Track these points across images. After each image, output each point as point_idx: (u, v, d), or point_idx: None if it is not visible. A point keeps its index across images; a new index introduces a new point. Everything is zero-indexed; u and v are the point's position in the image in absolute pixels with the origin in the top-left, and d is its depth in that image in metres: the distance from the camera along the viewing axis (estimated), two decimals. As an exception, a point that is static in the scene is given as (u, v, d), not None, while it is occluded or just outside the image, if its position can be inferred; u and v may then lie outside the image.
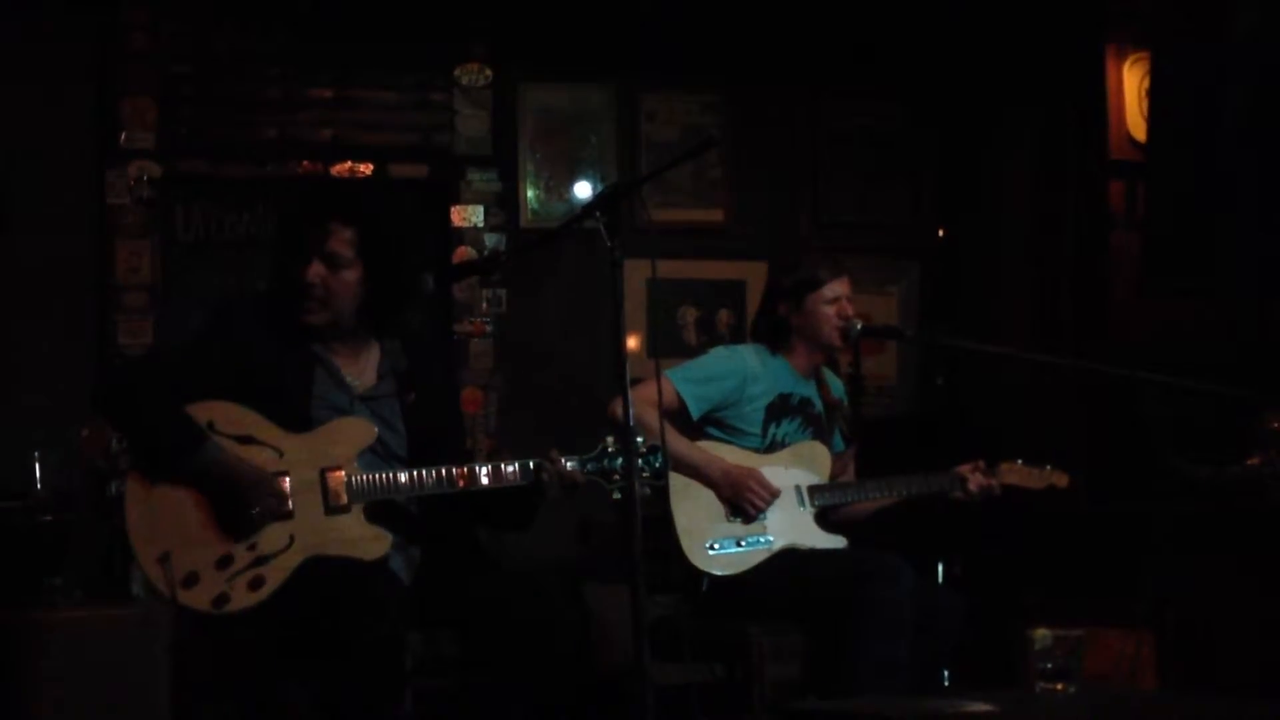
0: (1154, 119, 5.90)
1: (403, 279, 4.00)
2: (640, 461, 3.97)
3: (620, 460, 3.97)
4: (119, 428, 4.20)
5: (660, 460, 4.09)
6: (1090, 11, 6.21)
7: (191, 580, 3.71)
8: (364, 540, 3.85)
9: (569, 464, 3.98)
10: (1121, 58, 6.22)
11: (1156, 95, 5.88)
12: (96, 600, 4.68)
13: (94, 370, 5.83)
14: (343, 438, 3.91)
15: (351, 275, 3.92)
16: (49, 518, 4.87)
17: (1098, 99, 6.20)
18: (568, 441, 4.06)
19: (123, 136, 5.99)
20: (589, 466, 4.00)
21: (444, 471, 3.91)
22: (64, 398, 5.57)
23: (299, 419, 3.89)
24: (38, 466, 5.02)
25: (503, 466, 3.95)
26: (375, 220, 3.95)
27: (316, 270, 3.89)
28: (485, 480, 3.93)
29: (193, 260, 6.16)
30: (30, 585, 4.62)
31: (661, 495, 4.34)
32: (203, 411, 3.81)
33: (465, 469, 3.93)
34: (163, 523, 3.74)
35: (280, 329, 3.94)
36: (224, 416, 3.83)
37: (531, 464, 3.96)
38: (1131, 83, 6.20)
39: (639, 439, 3.89)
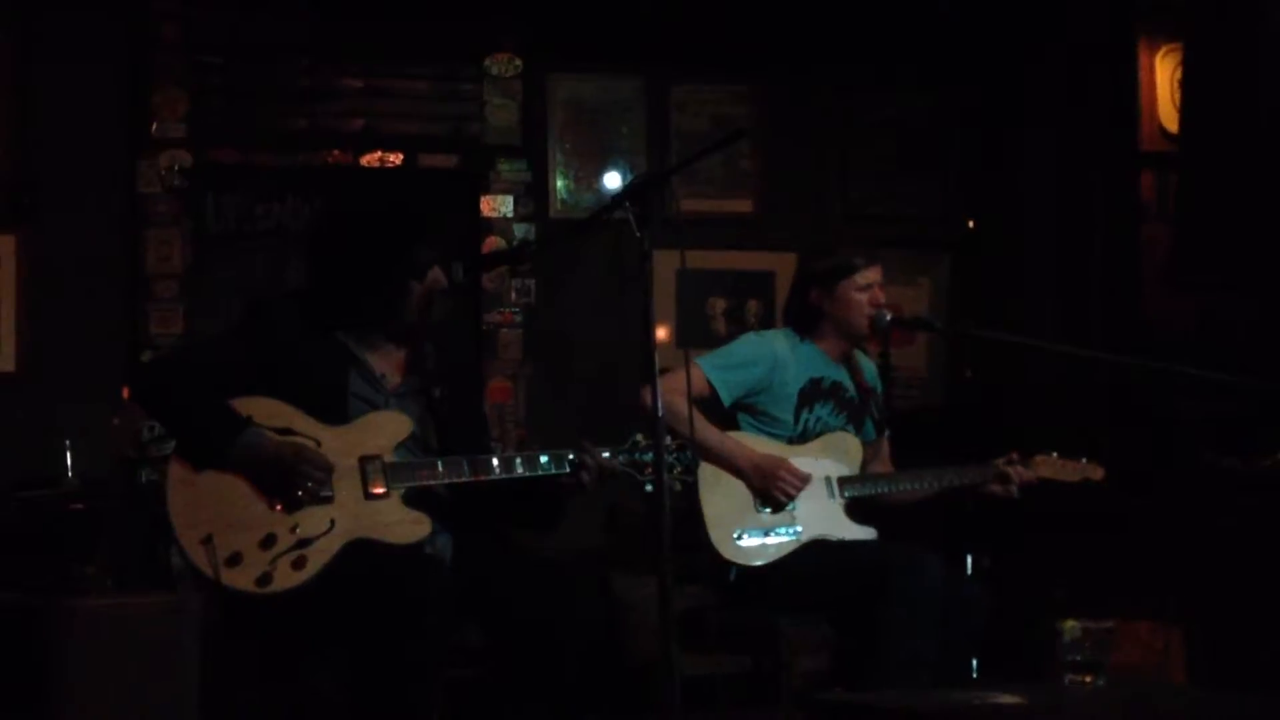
0: (1187, 110, 5.87)
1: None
2: (671, 457, 4.00)
3: (650, 455, 3.98)
4: (160, 421, 4.23)
5: (690, 457, 4.10)
6: (1122, 2, 6.19)
7: (235, 560, 3.72)
8: (404, 524, 3.87)
9: (603, 454, 4.00)
10: (1153, 49, 6.20)
11: (1190, 86, 5.85)
12: (127, 588, 4.71)
13: (125, 359, 5.85)
14: (380, 430, 3.95)
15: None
16: (79, 506, 4.90)
17: (1129, 90, 6.17)
18: (596, 432, 4.07)
19: (154, 126, 6.00)
20: (620, 458, 4.03)
21: (482, 459, 3.95)
22: (94, 387, 5.59)
23: (336, 414, 3.92)
24: (68, 455, 5.05)
25: (539, 457, 3.97)
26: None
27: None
28: (521, 469, 3.96)
29: (223, 249, 6.17)
30: (61, 573, 4.65)
31: (691, 488, 4.34)
32: (241, 407, 3.84)
33: (502, 458, 3.96)
34: (205, 507, 3.76)
35: (315, 328, 3.97)
36: (262, 411, 3.86)
37: (571, 455, 3.98)
38: (1164, 74, 6.18)
39: (668, 438, 3.88)
